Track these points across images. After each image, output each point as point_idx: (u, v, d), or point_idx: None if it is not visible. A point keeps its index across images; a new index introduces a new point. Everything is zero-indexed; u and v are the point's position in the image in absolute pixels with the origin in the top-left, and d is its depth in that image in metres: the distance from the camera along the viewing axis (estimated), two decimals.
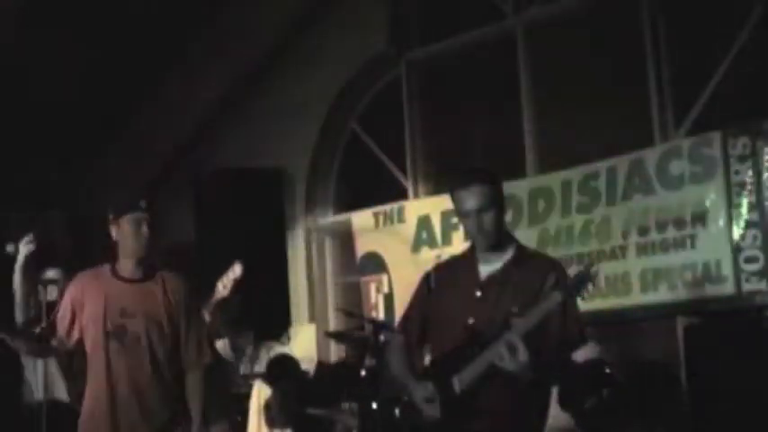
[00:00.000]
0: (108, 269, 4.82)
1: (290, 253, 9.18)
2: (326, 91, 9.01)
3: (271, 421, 7.08)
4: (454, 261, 4.37)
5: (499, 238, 4.11)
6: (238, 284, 5.60)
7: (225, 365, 6.16)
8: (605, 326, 6.64)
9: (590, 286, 3.80)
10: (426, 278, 4.32)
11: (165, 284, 4.81)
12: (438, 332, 4.20)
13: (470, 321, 4.04)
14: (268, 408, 6.66)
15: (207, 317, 5.64)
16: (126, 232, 4.73)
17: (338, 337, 8.42)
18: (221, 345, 5.87)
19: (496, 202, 4.08)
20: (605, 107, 7.50)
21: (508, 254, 4.13)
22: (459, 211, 4.13)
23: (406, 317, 4.40)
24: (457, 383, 3.96)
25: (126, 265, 4.80)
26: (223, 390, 6.15)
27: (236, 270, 5.59)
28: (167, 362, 4.75)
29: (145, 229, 4.73)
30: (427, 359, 4.41)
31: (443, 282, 4.25)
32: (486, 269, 4.12)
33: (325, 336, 8.68)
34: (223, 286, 5.60)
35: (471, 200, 4.05)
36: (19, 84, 8.78)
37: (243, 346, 7.36)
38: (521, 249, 4.18)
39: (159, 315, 4.74)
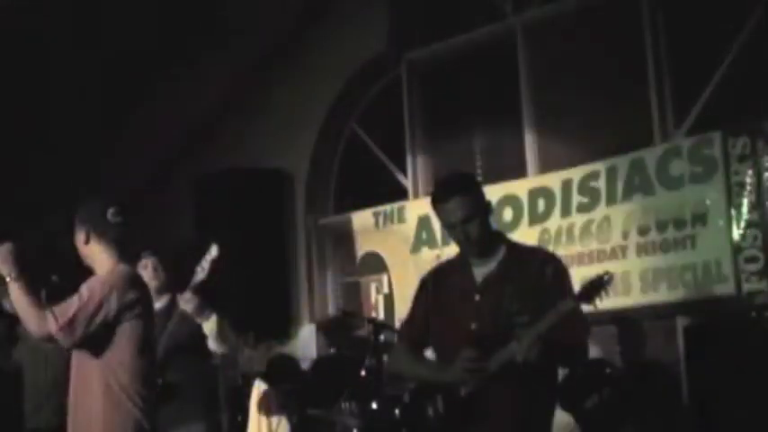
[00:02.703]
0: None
1: (290, 253, 9.19)
2: (327, 91, 9.01)
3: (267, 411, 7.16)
4: (449, 265, 4.33)
5: (487, 244, 4.10)
6: (216, 265, 5.58)
7: (213, 361, 6.15)
8: (605, 326, 6.64)
9: (603, 294, 3.79)
10: (424, 283, 4.31)
11: None
12: (439, 338, 4.19)
13: (473, 327, 4.02)
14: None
15: (189, 301, 5.61)
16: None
17: (338, 337, 8.43)
18: (209, 327, 5.78)
19: (479, 210, 4.05)
20: (605, 107, 7.50)
21: (500, 253, 4.11)
22: (443, 223, 4.14)
23: (408, 323, 4.37)
24: (462, 387, 3.95)
25: None
26: (208, 384, 6.15)
27: (213, 251, 5.57)
28: None
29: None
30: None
31: (441, 286, 4.23)
32: (480, 271, 4.10)
33: (326, 336, 8.68)
34: (201, 269, 5.60)
35: (453, 213, 4.03)
36: (19, 83, 8.78)
37: (240, 344, 7.35)
38: (512, 246, 4.17)
39: None
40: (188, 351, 5.74)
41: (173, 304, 5.74)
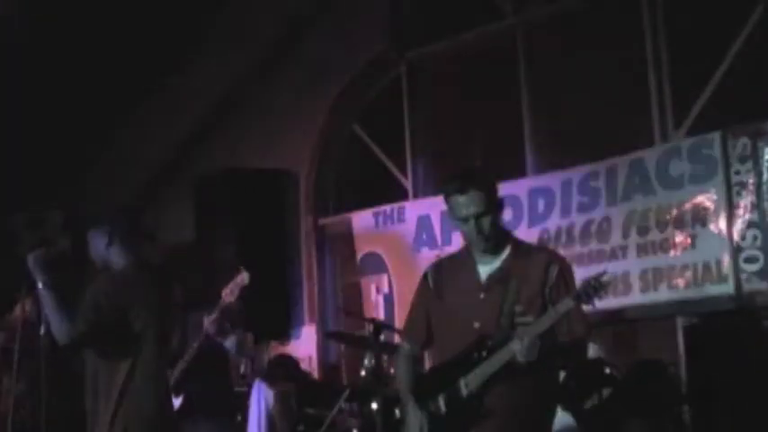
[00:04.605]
0: None
1: (290, 253, 9.18)
2: (327, 91, 9.01)
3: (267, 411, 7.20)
4: (452, 261, 4.31)
5: (498, 240, 4.08)
6: (243, 291, 5.68)
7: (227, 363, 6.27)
8: (605, 326, 6.64)
9: (602, 294, 3.79)
10: (425, 278, 4.29)
11: None
12: (442, 335, 4.17)
13: (476, 325, 4.00)
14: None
15: (213, 323, 5.79)
16: None
17: (338, 337, 8.43)
18: (230, 343, 6.00)
19: (494, 205, 4.04)
20: (605, 107, 7.50)
21: (506, 251, 4.10)
22: (455, 217, 4.08)
23: (410, 321, 4.35)
24: (464, 387, 3.95)
25: None
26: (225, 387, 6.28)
27: (244, 278, 5.68)
28: None
29: None
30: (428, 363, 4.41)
31: (443, 283, 4.20)
32: (485, 269, 4.09)
33: (326, 336, 8.68)
34: (229, 292, 5.69)
35: (469, 206, 4.00)
36: (19, 82, 8.78)
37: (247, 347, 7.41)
38: (517, 244, 4.16)
39: None
40: (209, 368, 5.89)
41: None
